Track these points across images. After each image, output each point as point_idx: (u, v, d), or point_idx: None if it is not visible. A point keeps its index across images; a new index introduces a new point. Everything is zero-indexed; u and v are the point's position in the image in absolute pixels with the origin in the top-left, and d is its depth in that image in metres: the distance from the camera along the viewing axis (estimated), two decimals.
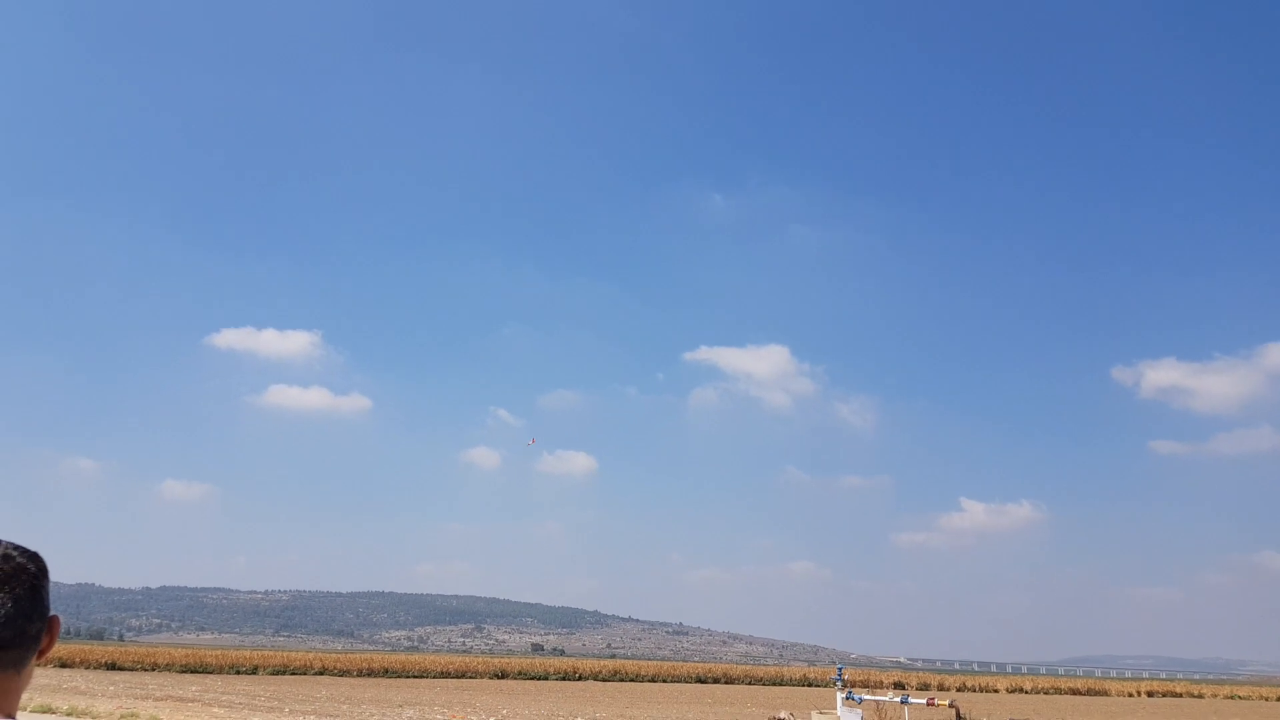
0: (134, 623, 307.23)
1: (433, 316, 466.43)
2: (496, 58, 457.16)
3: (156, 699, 30.24)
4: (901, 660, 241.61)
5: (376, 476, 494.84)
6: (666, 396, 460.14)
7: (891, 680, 69.90)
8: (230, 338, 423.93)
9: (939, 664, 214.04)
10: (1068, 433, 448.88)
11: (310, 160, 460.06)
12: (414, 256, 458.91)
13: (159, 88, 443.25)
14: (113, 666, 56.93)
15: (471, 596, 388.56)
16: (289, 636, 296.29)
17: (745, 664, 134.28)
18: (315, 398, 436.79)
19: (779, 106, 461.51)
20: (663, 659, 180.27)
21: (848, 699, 26.39)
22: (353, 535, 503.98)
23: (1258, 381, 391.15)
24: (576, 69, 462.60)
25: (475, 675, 69.76)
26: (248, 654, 74.22)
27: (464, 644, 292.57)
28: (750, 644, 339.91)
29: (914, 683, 72.21)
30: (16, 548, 1.72)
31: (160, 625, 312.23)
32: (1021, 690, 77.78)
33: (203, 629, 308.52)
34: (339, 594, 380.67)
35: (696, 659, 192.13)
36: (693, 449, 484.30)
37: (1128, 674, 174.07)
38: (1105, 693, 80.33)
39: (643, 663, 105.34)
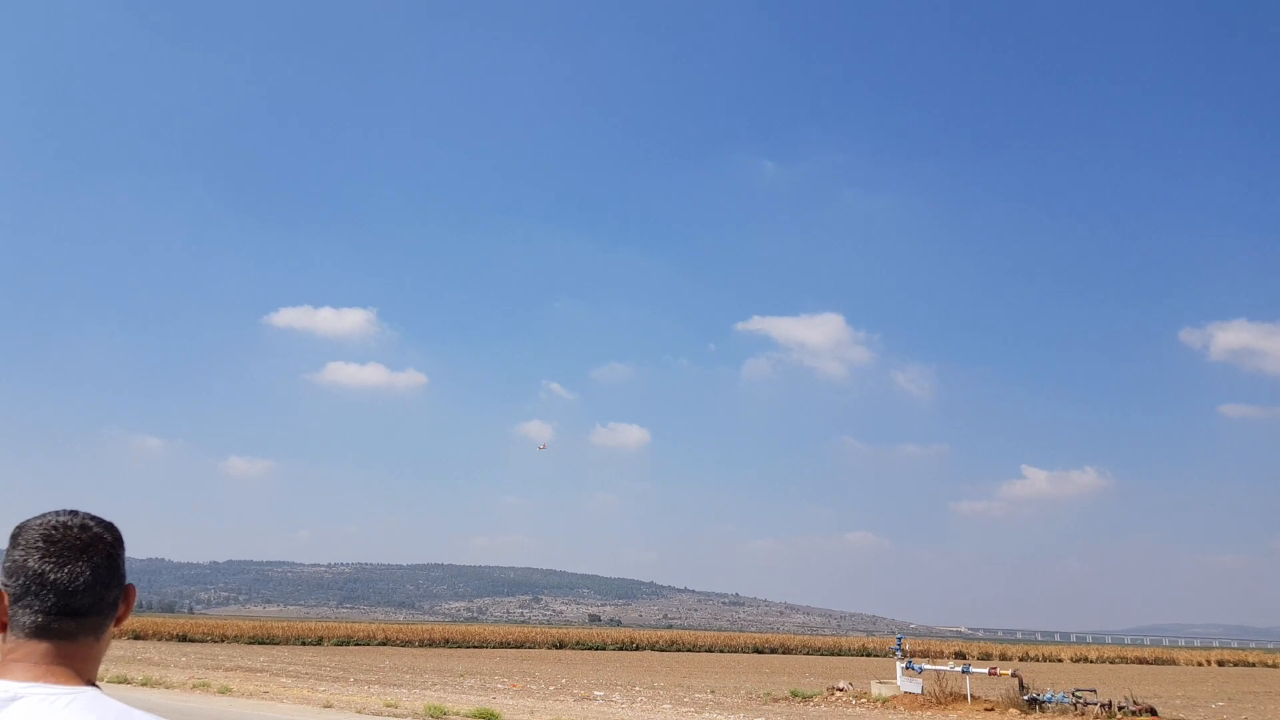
0: (203, 596, 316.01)
1: (484, 291, 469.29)
2: (543, 28, 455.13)
3: (226, 669, 30.80)
4: (962, 630, 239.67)
5: (432, 451, 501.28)
6: (719, 368, 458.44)
7: (952, 650, 69.12)
8: (288, 316, 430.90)
9: (1000, 634, 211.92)
10: (1133, 397, 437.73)
11: (361, 137, 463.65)
12: (465, 232, 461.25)
13: (216, 68, 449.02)
14: (184, 638, 58.32)
15: (528, 568, 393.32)
16: (352, 608, 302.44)
17: (802, 634, 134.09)
18: (372, 374, 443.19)
19: (829, 69, 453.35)
20: (719, 629, 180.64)
21: (908, 669, 26.01)
22: (411, 509, 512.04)
23: None
24: (624, 38, 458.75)
25: (534, 645, 70.42)
26: (313, 625, 75.67)
27: (522, 615, 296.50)
28: (807, 614, 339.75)
29: (975, 653, 71.39)
30: (93, 518, 1.76)
31: (228, 598, 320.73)
32: (1086, 660, 76.52)
33: (269, 601, 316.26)
34: (399, 566, 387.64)
35: (753, 629, 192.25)
36: (746, 420, 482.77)
37: (1196, 643, 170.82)
38: (1173, 662, 78.76)
39: (699, 633, 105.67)
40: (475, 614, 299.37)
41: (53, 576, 1.67)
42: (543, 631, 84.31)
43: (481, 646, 67.15)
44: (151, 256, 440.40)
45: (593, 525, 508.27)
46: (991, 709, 23.41)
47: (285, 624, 77.45)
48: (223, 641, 58.13)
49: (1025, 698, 23.70)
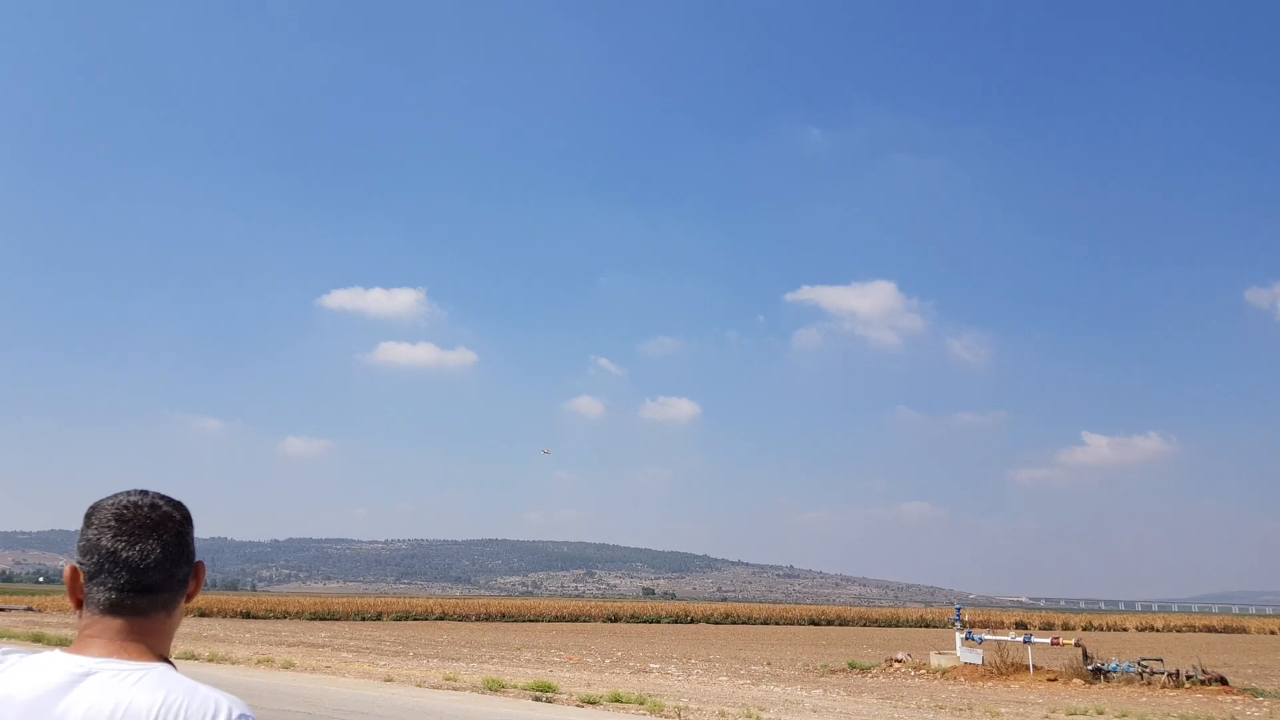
0: (264, 573, 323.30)
1: (532, 269, 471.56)
2: (585, 4, 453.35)
3: (289, 645, 31.39)
4: (1023, 600, 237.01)
5: (484, 428, 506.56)
6: (769, 339, 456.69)
7: (1013, 620, 68.27)
8: (340, 298, 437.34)
9: (1063, 603, 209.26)
10: (1198, 359, 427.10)
11: (405, 118, 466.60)
12: (512, 210, 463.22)
13: (267, 54, 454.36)
14: (247, 615, 59.65)
15: (581, 542, 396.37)
16: (409, 584, 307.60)
17: (859, 606, 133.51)
18: (423, 353, 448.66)
19: (874, 33, 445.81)
20: (774, 602, 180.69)
21: (967, 639, 25.64)
22: (464, 485, 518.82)
23: None
24: (666, 10, 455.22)
25: (588, 619, 70.95)
26: (372, 601, 77.06)
27: (576, 589, 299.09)
28: (864, 586, 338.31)
29: (1037, 623, 70.46)
30: (163, 497, 1.80)
31: (289, 575, 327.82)
32: (1152, 629, 75.23)
33: (328, 578, 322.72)
34: (454, 542, 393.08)
35: (808, 602, 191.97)
36: (798, 391, 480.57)
37: (1268, 610, 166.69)
38: (1244, 630, 77.12)
39: (754, 605, 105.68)
40: (530, 588, 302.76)
41: (125, 554, 1.71)
42: (597, 605, 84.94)
43: (537, 620, 67.82)
44: (207, 244, 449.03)
45: (645, 499, 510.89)
46: (1054, 679, 23.00)
47: (345, 600, 78.98)
48: (285, 618, 59.36)
49: (1089, 668, 23.25)
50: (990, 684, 22.86)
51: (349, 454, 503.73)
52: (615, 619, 71.03)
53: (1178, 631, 73.17)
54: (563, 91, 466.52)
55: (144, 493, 1.80)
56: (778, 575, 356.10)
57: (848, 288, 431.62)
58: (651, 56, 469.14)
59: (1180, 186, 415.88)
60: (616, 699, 16.07)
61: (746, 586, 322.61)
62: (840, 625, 73.87)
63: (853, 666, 26.98)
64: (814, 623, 75.34)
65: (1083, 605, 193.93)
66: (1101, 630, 70.57)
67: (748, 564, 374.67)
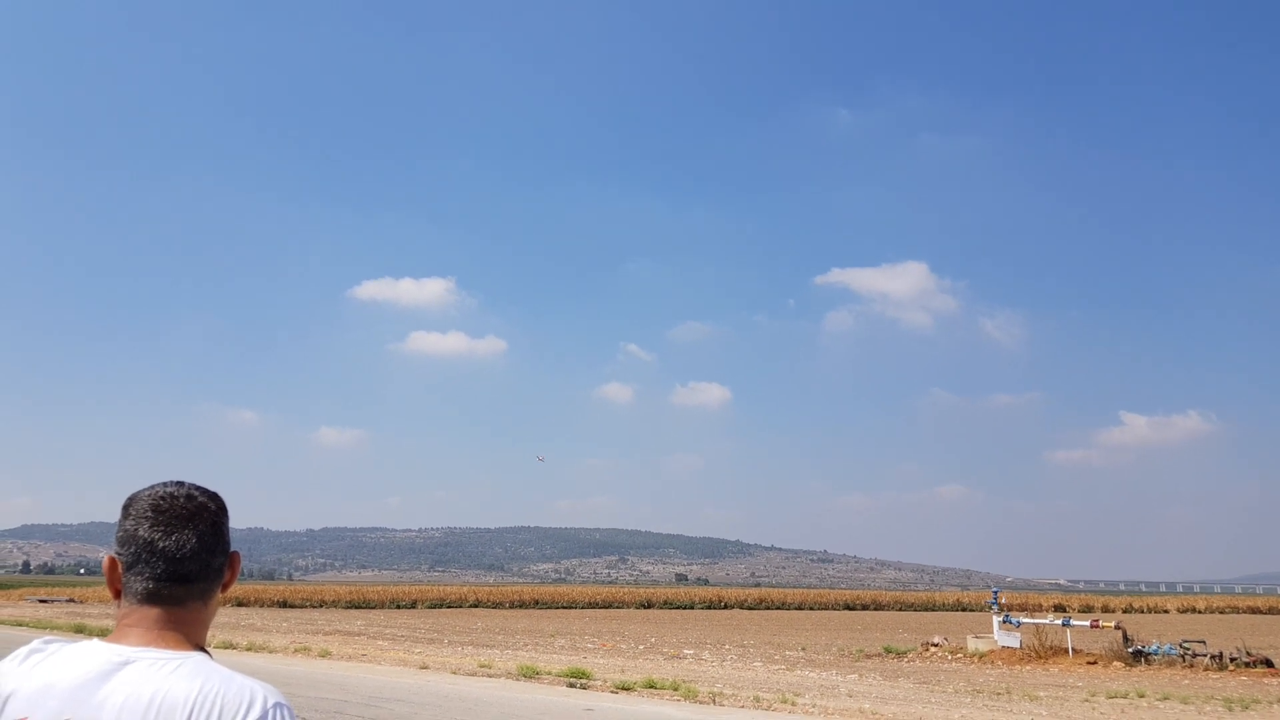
0: (300, 563, 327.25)
1: (560, 256, 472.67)
2: None
3: (325, 633, 31.71)
4: (1061, 582, 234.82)
5: (515, 415, 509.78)
6: (799, 322, 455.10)
7: (1051, 603, 67.69)
8: (371, 289, 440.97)
9: (1102, 585, 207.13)
10: (1239, 336, 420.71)
11: (432, 109, 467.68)
12: (538, 198, 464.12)
13: (293, 46, 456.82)
14: (284, 604, 60.27)
15: (613, 529, 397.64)
16: (443, 571, 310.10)
17: (894, 590, 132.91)
18: (454, 342, 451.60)
19: (901, 11, 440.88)
20: (808, 587, 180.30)
21: (1005, 622, 25.41)
22: (496, 473, 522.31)
23: None
24: None
25: (622, 605, 71.15)
26: (406, 589, 77.63)
27: (609, 575, 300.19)
28: (899, 570, 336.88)
29: (1075, 605, 69.78)
30: (198, 488, 1.83)
31: (324, 564, 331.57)
32: (1194, 610, 74.32)
33: (363, 566, 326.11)
34: (487, 530, 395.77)
35: (843, 586, 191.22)
36: (829, 375, 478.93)
37: None
38: None
39: (788, 591, 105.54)
40: (563, 575, 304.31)
41: (161, 544, 1.74)
42: (630, 591, 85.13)
43: (570, 607, 68.09)
44: (239, 238, 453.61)
45: (676, 485, 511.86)
46: (1094, 662, 22.72)
47: (380, 588, 79.68)
48: (321, 607, 59.96)
49: (1130, 650, 22.95)
50: (1028, 667, 22.63)
51: (382, 443, 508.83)
52: (648, 605, 71.16)
53: (1220, 613, 72.18)
54: (589, 79, 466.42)
55: (180, 484, 1.83)
56: (811, 560, 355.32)
57: (878, 269, 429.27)
58: (676, 40, 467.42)
59: (1219, 163, 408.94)
60: (650, 685, 16.05)
61: (780, 572, 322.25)
62: (875, 610, 73.54)
63: (888, 651, 26.82)
64: (849, 607, 75.11)
65: (1122, 587, 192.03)
66: (1142, 612, 69.78)
67: (781, 549, 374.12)
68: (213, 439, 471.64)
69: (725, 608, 71.39)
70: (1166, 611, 72.70)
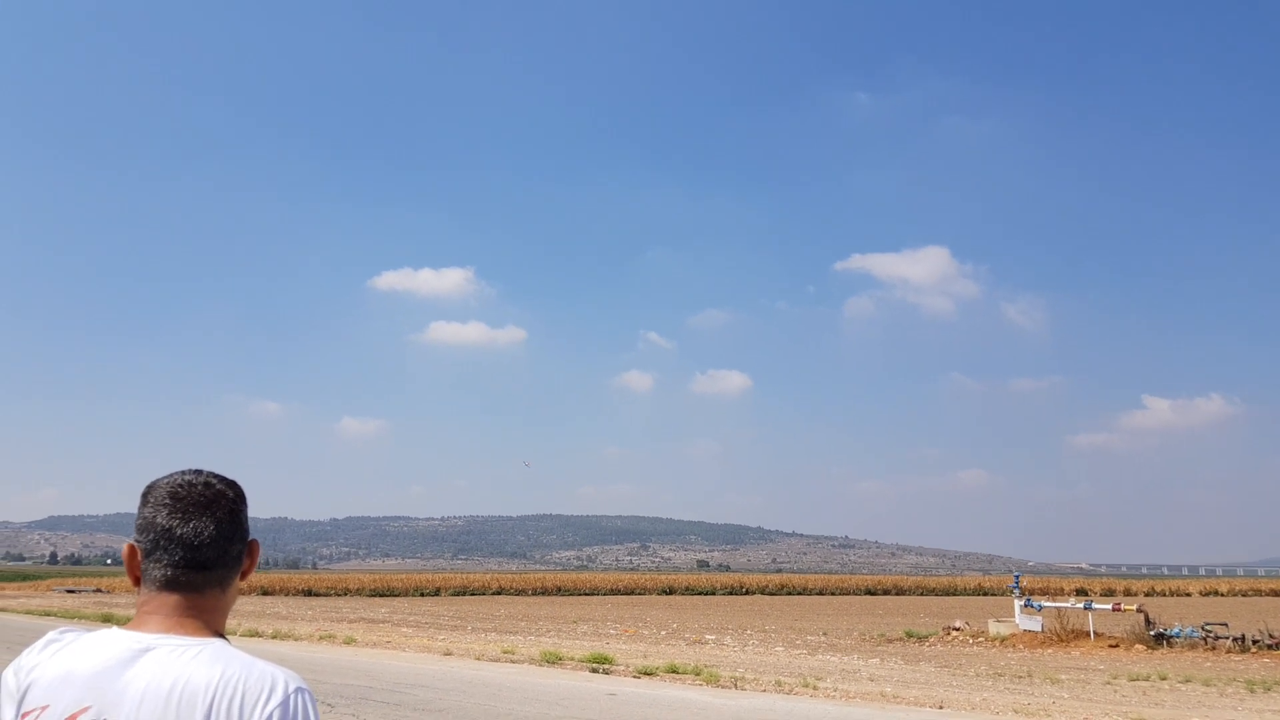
0: (324, 551, 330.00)
1: (578, 245, 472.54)
2: None
3: (350, 621, 32.01)
4: (1083, 566, 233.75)
5: (535, 404, 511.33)
6: (819, 309, 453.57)
7: (1073, 587, 67.40)
8: (390, 280, 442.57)
9: (1124, 569, 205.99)
10: (1262, 318, 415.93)
11: (450, 99, 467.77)
12: (556, 187, 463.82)
13: (311, 37, 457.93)
14: (309, 593, 60.69)
15: (635, 516, 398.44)
16: (466, 559, 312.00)
17: (916, 575, 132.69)
18: (473, 332, 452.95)
19: None
20: (829, 573, 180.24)
21: (1026, 606, 25.37)
22: (518, 461, 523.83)
23: None
24: None
25: (644, 592, 71.37)
26: (430, 577, 78.10)
27: (631, 562, 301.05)
28: (920, 555, 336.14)
29: (1097, 589, 69.40)
30: (217, 476, 1.83)
31: (348, 553, 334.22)
32: (1216, 593, 73.75)
33: (387, 555, 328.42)
34: (509, 518, 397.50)
35: (864, 572, 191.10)
36: (850, 361, 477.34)
37: None
38: None
39: (809, 576, 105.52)
40: (585, 562, 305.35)
41: (179, 531, 1.74)
42: (652, 578, 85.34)
43: (592, 594, 68.36)
44: (258, 231, 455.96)
45: (697, 472, 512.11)
46: (1116, 645, 22.68)
47: (404, 576, 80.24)
48: (345, 595, 60.44)
49: (1152, 633, 22.90)
50: (1050, 651, 22.62)
51: (404, 433, 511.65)
52: (670, 591, 71.33)
53: (1243, 596, 71.64)
54: (607, 68, 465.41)
55: (198, 471, 1.83)
56: (833, 546, 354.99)
57: (899, 255, 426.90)
58: (693, 28, 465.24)
59: (1242, 144, 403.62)
60: (673, 670, 16.17)
61: (801, 558, 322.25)
62: (897, 595, 73.41)
63: (910, 635, 26.84)
64: (870, 592, 75.04)
65: (1144, 571, 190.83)
66: (1164, 596, 69.39)
67: (802, 535, 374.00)
68: (236, 430, 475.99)
69: (747, 593, 71.47)
70: (1189, 595, 72.24)
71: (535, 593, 67.24)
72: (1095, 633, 23.59)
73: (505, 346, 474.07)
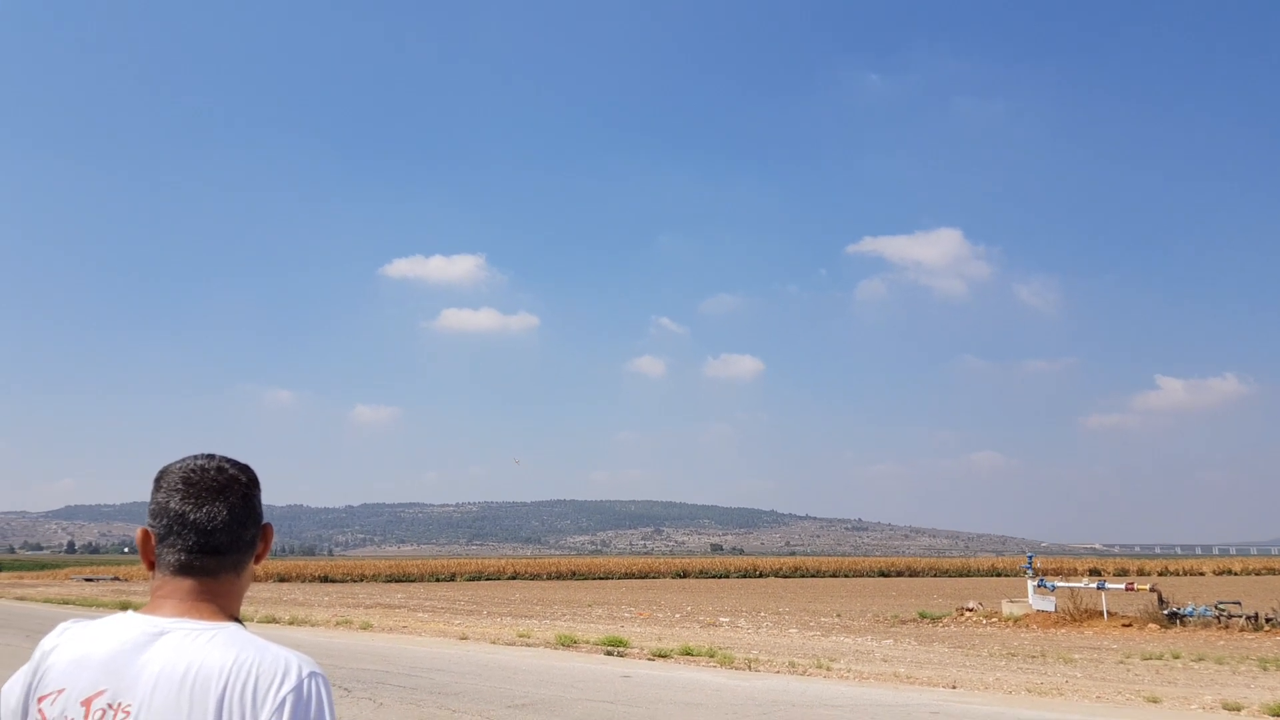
0: (340, 538, 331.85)
1: (589, 231, 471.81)
2: None
3: (366, 607, 32.26)
4: (1096, 547, 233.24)
5: (548, 390, 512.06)
6: (831, 292, 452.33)
7: (1086, 568, 67.33)
8: (402, 267, 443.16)
9: (1138, 549, 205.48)
10: (1276, 297, 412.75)
11: (458, 85, 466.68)
12: (567, 173, 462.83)
13: (325, 27, 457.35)
14: (325, 579, 61.16)
15: (648, 501, 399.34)
16: (480, 545, 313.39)
17: (929, 557, 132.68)
18: (485, 319, 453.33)
19: None
20: (842, 555, 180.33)
21: (1039, 586, 25.40)
22: (530, 447, 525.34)
23: None
24: None
25: (658, 575, 71.62)
26: (445, 562, 78.49)
27: (645, 546, 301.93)
28: (933, 537, 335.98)
29: (1111, 569, 69.33)
30: (230, 461, 1.83)
31: (364, 540, 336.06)
32: (1230, 572, 73.63)
33: (402, 541, 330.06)
34: (523, 503, 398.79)
35: (877, 554, 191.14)
36: (862, 344, 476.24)
37: None
38: None
39: (823, 559, 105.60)
40: (599, 547, 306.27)
41: (192, 516, 1.74)
42: (666, 562, 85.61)
43: (607, 578, 68.65)
44: (270, 220, 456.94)
45: (710, 456, 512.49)
46: (1129, 625, 22.71)
47: (419, 562, 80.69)
48: (361, 581, 60.87)
49: (1165, 612, 22.91)
50: (1063, 631, 22.66)
51: (417, 420, 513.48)
52: (684, 575, 71.57)
53: (1257, 575, 71.46)
54: (617, 53, 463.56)
55: (210, 456, 1.83)
56: (846, 528, 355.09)
57: (911, 237, 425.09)
58: (703, 11, 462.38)
59: (1257, 123, 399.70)
60: (687, 652, 16.28)
61: (815, 540, 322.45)
62: (910, 576, 73.51)
63: (923, 616, 26.91)
64: (883, 574, 75.12)
65: (1158, 551, 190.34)
66: (1177, 575, 69.30)
67: (816, 518, 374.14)
68: (251, 419, 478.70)
69: (760, 576, 71.67)
70: (1202, 574, 72.10)
71: (550, 577, 67.57)
72: (1108, 612, 23.62)
73: (517, 333, 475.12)
